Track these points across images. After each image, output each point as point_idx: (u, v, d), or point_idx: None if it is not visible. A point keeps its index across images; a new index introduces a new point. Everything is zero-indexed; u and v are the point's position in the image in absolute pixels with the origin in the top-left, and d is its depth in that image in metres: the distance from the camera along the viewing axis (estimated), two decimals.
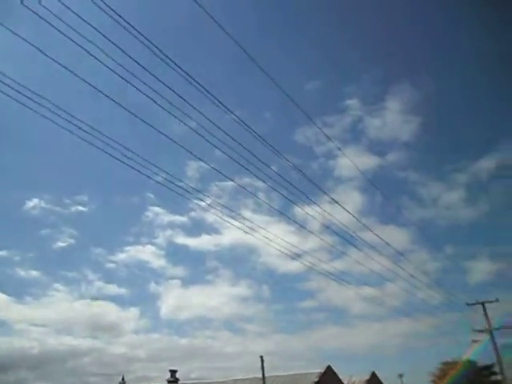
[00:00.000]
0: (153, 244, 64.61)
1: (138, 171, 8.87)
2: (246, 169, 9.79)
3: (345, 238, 14.36)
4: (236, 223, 11.96)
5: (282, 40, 58.68)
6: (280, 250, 13.22)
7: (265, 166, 10.02)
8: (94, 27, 6.64)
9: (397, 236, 48.87)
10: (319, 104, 61.66)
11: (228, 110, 8.60)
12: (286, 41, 58.81)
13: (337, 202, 12.51)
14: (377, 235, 15.35)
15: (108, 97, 8.13)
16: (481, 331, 29.72)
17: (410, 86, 54.08)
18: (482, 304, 28.31)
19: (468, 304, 28.82)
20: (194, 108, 8.64)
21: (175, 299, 63.84)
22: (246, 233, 12.19)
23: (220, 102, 8.47)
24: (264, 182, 10.91)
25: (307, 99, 56.07)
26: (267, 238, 12.56)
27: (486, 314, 28.22)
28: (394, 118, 54.33)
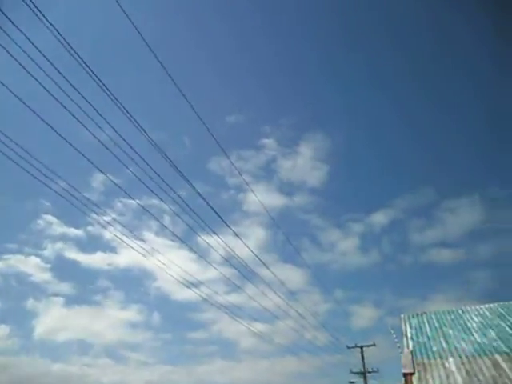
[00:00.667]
0: (38, 255, 58.76)
1: (32, 175, 8.18)
2: (151, 191, 9.58)
3: (241, 273, 14.54)
4: (133, 244, 11.48)
5: (212, 69, 60.01)
6: (173, 277, 12.94)
7: (175, 189, 9.88)
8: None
9: (294, 275, 50.81)
10: (238, 138, 63.26)
11: (143, 130, 8.46)
12: (216, 71, 60.28)
13: (238, 236, 12.73)
14: (273, 273, 15.82)
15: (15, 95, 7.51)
16: (357, 373, 31.57)
17: (322, 135, 58.19)
18: (361, 347, 30.22)
19: (348, 347, 30.55)
20: (107, 121, 8.36)
21: (54, 319, 58.04)
22: (142, 255, 11.73)
23: (136, 121, 8.31)
24: (169, 206, 10.75)
25: (227, 131, 57.24)
26: (163, 264, 12.22)
27: (362, 357, 30.12)
28: (304, 163, 57.81)
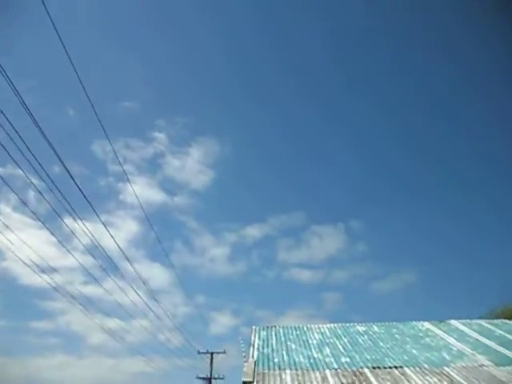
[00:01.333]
0: None
1: None
2: (13, 160, 8.52)
3: (102, 265, 13.73)
4: None
5: (114, 54, 56.50)
6: (19, 258, 11.66)
7: (45, 163, 8.90)
8: None
9: (160, 275, 49.71)
10: (129, 125, 60.31)
11: (15, 90, 7.50)
12: (120, 54, 56.98)
13: (105, 227, 12.05)
14: (134, 270, 15.27)
15: None
16: (203, 378, 31.97)
17: (215, 141, 58.67)
18: (211, 354, 30.75)
19: (199, 352, 30.84)
20: None
21: None
22: None
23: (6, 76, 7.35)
24: (35, 181, 9.67)
25: (119, 116, 54.15)
26: (11, 243, 10.93)
27: (211, 363, 30.67)
28: (192, 165, 57.50)
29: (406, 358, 12.54)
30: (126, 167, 50.68)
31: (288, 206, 58.37)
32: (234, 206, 61.25)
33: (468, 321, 15.92)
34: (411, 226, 50.62)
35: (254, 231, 55.72)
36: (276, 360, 12.36)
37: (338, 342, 13.96)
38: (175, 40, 54.98)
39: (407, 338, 14.32)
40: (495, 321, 16.19)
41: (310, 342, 13.99)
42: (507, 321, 15.97)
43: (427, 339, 14.23)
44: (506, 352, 12.55)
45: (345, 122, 55.72)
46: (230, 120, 58.56)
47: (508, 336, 14.09)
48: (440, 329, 15.18)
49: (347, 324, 15.70)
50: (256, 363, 12.06)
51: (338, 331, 15.07)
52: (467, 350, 12.99)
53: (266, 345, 13.72)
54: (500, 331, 14.63)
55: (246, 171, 59.68)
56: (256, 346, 13.53)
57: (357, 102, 54.72)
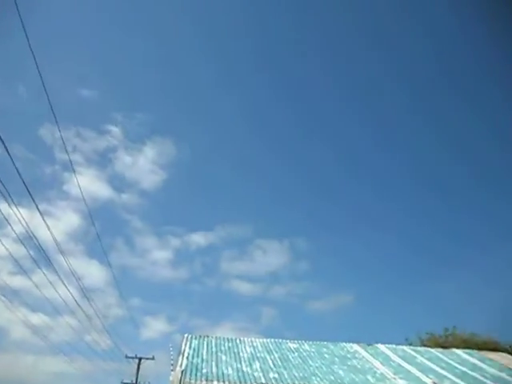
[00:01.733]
0: None
1: None
2: None
3: (33, 257, 12.96)
4: None
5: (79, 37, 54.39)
6: None
7: None
8: None
9: (96, 273, 47.73)
10: (84, 114, 57.84)
11: None
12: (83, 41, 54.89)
13: (41, 215, 11.42)
14: (68, 264, 14.54)
15: None
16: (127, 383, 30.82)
17: (171, 143, 57.65)
18: (139, 359, 29.83)
19: (127, 356, 29.81)
20: None
21: None
22: None
23: None
24: None
25: (75, 102, 51.70)
26: None
27: (138, 369, 29.71)
28: (144, 164, 55.98)
29: (332, 378, 12.79)
30: (75, 157, 48.50)
31: (236, 217, 58.27)
32: (182, 210, 60.24)
33: (394, 346, 16.58)
34: (355, 251, 52.10)
35: (199, 238, 55.03)
36: (204, 371, 12.18)
37: (268, 357, 14.01)
38: (146, 35, 53.88)
39: (336, 359, 14.65)
40: (418, 348, 16.99)
41: (241, 354, 13.93)
42: (429, 349, 16.79)
43: (354, 361, 14.62)
44: (424, 378, 13.16)
45: (290, 144, 56.84)
46: (192, 123, 57.82)
47: (428, 363, 14.80)
48: (367, 352, 15.67)
49: (280, 340, 15.83)
50: (183, 372, 11.81)
51: (270, 346, 15.14)
52: (390, 373, 13.47)
53: (196, 354, 13.50)
54: (422, 358, 15.34)
55: (199, 177, 59.05)
56: (186, 354, 13.27)
57: (299, 128, 56.03)
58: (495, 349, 18.08)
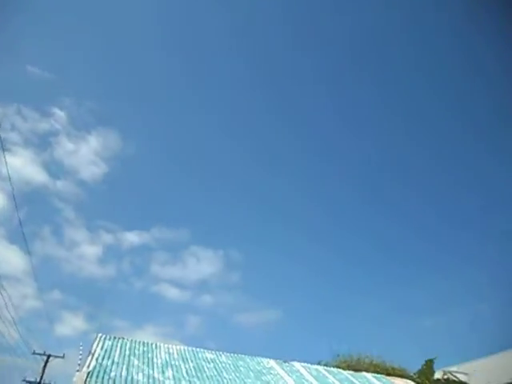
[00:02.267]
0: None
1: None
2: None
3: None
4: None
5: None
6: None
7: None
8: None
9: (15, 260, 44.30)
10: (29, 92, 54.01)
11: None
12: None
13: None
14: None
15: None
16: (31, 382, 28.80)
17: (117, 136, 55.51)
18: (48, 356, 28.02)
19: (34, 353, 27.89)
20: None
21: None
22: None
23: None
24: None
25: (20, 80, 48.28)
26: None
27: (45, 367, 27.87)
28: (86, 154, 53.30)
29: None
30: (12, 135, 45.27)
31: (175, 221, 57.11)
32: (119, 206, 58.07)
33: (309, 364, 16.90)
34: (288, 267, 52.88)
35: (133, 237, 53.18)
36: (113, 374, 11.63)
37: (183, 366, 13.69)
38: (106, 26, 51.93)
39: (250, 373, 14.63)
40: (332, 368, 17.44)
41: (155, 360, 13.50)
42: (342, 370, 17.30)
43: (269, 377, 14.69)
44: None
45: (234, 157, 57.30)
46: (142, 119, 56.35)
47: None
48: (283, 368, 15.83)
49: (197, 349, 15.55)
50: (90, 374, 11.19)
51: (187, 355, 14.82)
52: None
53: (107, 356, 12.86)
54: (333, 379, 15.76)
55: (142, 175, 57.34)
56: (96, 355, 12.60)
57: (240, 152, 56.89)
58: (402, 375, 19.01)
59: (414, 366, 20.70)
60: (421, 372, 19.19)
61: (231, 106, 55.97)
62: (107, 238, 53.20)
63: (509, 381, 18.65)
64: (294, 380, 14.73)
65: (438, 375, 20.28)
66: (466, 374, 21.19)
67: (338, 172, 54.02)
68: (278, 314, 51.44)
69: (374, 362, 20.21)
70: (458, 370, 21.70)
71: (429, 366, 18.98)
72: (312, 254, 53.69)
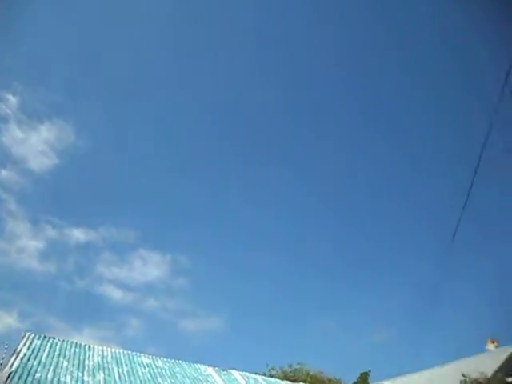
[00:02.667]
0: None
1: None
2: None
3: None
4: None
5: None
6: None
7: None
8: None
9: None
10: None
11: None
12: None
13: None
14: None
15: None
16: None
17: (71, 129, 52.79)
18: None
19: None
20: None
21: None
22: None
23: None
24: None
25: None
26: None
27: None
28: (37, 144, 50.17)
29: None
30: None
31: (124, 221, 54.92)
32: (67, 201, 55.05)
33: (247, 373, 16.73)
34: (235, 278, 52.38)
35: (79, 234, 50.48)
36: (38, 375, 10.85)
37: (116, 369, 13.07)
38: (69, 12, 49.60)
39: (187, 379, 14.24)
40: (269, 378, 17.40)
41: (87, 363, 12.78)
42: (279, 380, 17.30)
43: None
44: None
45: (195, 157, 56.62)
46: (98, 111, 53.99)
47: None
48: (220, 377, 15.55)
49: (133, 353, 14.92)
50: (12, 375, 10.38)
51: (122, 358, 14.18)
52: None
53: (34, 356, 12.00)
54: None
55: (95, 171, 54.73)
56: (21, 355, 11.71)
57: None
58: None
59: (351, 379, 21.14)
60: None
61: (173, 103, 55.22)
62: (51, 233, 50.28)
63: None
64: None
65: None
66: None
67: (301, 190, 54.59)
68: (221, 322, 50.89)
69: (312, 373, 20.39)
70: None
71: (364, 379, 19.42)
72: (262, 264, 53.74)
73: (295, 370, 20.70)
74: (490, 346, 21.52)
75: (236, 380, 15.69)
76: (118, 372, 12.94)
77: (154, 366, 14.51)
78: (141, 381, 12.81)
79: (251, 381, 15.98)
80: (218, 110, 52.26)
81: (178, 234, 53.50)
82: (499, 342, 21.56)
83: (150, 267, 51.33)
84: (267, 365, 21.37)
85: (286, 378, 18.73)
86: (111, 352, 14.33)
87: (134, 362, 14.24)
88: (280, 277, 50.99)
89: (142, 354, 15.12)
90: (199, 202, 54.92)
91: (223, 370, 16.33)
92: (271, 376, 18.94)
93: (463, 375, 16.55)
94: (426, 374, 22.92)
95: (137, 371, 13.53)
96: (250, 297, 51.00)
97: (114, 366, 13.31)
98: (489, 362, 19.15)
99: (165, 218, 54.32)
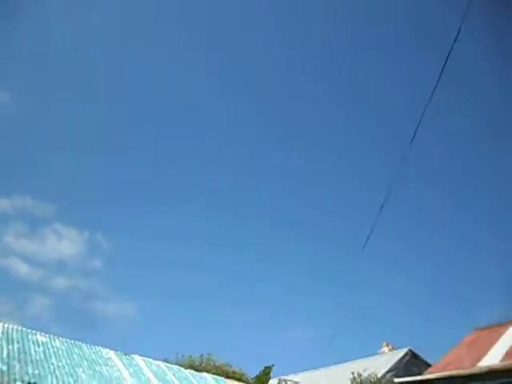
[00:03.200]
0: None
1: None
2: None
3: None
4: None
5: None
6: None
7: None
8: None
9: None
10: None
11: None
12: None
13: None
14: None
15: None
16: None
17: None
18: None
19: None
20: None
21: None
22: None
23: None
24: None
25: None
26: None
27: None
28: None
29: (71, 380, 11.82)
30: None
31: (41, 192, 51.41)
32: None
33: (150, 359, 16.42)
34: (153, 264, 51.15)
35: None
36: None
37: (5, 346, 12.13)
38: None
39: (84, 361, 13.63)
40: (173, 366, 17.23)
41: None
42: (182, 369, 17.19)
43: (104, 368, 13.87)
44: None
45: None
46: (25, 73, 49.79)
47: (176, 382, 15.10)
48: (121, 360, 15.10)
49: (28, 330, 13.97)
50: None
51: (14, 335, 13.19)
52: None
53: None
54: (172, 376, 15.57)
55: (17, 133, 50.38)
56: None
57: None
58: (240, 379, 19.68)
59: (255, 373, 21.61)
60: (258, 377, 20.07)
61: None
62: None
63: None
64: (131, 373, 14.17)
65: (273, 382, 21.47)
66: (297, 382, 22.86)
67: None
68: (135, 308, 49.63)
69: (217, 365, 20.58)
70: (291, 379, 23.33)
71: (266, 373, 19.97)
72: (184, 254, 53.17)
73: (201, 359, 20.77)
74: (385, 349, 23.18)
75: (137, 365, 15.34)
76: (8, 349, 12.02)
77: (49, 346, 13.69)
78: (31, 360, 12.03)
79: (153, 367, 15.72)
80: None
81: (100, 211, 51.22)
82: (394, 346, 23.32)
83: (64, 244, 48.70)
84: (177, 353, 21.16)
85: (190, 367, 18.70)
86: (2, 327, 13.31)
87: (28, 340, 13.34)
88: (198, 266, 50.82)
89: (39, 333, 14.22)
90: (130, 179, 53.03)
91: (125, 355, 15.87)
92: (180, 365, 18.80)
93: (352, 373, 17.72)
94: (325, 371, 24.17)
95: (29, 349, 12.68)
96: (167, 286, 50.30)
97: (3, 342, 12.36)
98: (382, 362, 20.64)
99: (87, 193, 51.74)
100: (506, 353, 12.35)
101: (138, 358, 15.98)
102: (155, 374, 15.01)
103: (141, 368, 15.13)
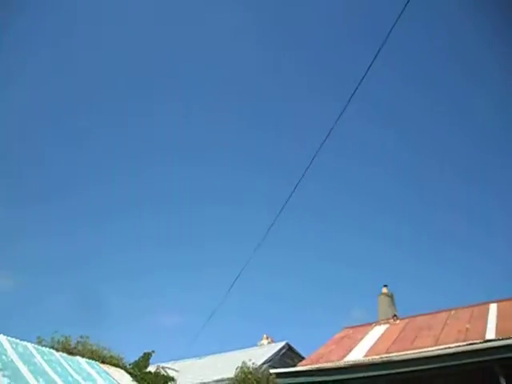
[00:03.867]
0: None
1: None
2: None
3: None
4: None
5: None
6: None
7: None
8: None
9: None
10: None
11: None
12: None
13: None
14: None
15: None
16: None
17: None
18: None
19: None
20: None
21: None
22: None
23: None
24: None
25: None
26: None
27: None
28: None
29: None
30: None
31: None
32: None
33: (18, 340, 15.01)
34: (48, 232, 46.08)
35: None
36: None
37: None
38: None
39: None
40: (43, 348, 15.95)
41: None
42: (54, 351, 16.02)
43: None
44: (32, 380, 12.31)
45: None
46: None
47: (44, 365, 14.08)
48: None
49: None
50: None
51: None
52: None
53: None
54: (41, 359, 14.39)
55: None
56: None
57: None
58: (117, 364, 18.98)
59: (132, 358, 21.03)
60: (135, 363, 19.59)
61: None
62: None
63: (209, 380, 21.04)
64: None
65: (152, 369, 21.10)
66: (177, 370, 22.80)
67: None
68: (9, 282, 44.80)
69: (94, 349, 19.60)
70: (170, 367, 23.20)
71: (145, 359, 19.58)
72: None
73: (76, 342, 19.59)
74: (265, 341, 24.37)
75: (1, 346, 13.95)
76: None
77: None
78: None
79: (20, 348, 14.40)
80: None
81: None
82: (274, 339, 24.59)
83: None
84: (55, 332, 19.48)
85: (65, 350, 17.55)
86: None
87: None
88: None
89: None
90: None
91: None
92: (52, 348, 17.51)
93: (243, 362, 18.33)
94: (206, 360, 24.53)
95: None
96: (46, 258, 46.18)
97: None
98: (260, 354, 21.62)
99: None
100: (369, 349, 13.96)
101: (2, 338, 14.52)
102: (21, 356, 13.77)
103: (5, 349, 13.76)
